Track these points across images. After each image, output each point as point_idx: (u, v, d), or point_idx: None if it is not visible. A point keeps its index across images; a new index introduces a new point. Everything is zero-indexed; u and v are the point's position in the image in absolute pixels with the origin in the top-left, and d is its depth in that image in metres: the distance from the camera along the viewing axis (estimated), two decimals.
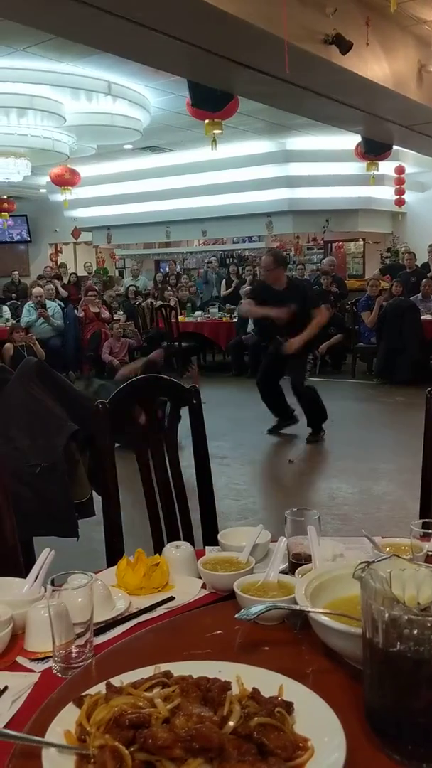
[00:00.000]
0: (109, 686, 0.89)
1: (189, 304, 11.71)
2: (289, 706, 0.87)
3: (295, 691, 0.91)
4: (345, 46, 5.56)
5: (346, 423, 6.85)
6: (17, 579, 1.33)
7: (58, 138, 9.16)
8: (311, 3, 5.40)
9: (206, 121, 7.06)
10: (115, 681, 0.92)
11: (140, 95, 8.38)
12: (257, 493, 4.76)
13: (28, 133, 8.65)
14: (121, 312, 11.52)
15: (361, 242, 13.92)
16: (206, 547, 1.58)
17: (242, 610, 1.07)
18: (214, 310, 11.37)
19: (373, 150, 9.29)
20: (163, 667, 0.95)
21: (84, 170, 11.30)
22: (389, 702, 0.83)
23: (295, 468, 5.39)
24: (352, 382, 9.25)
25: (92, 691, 0.91)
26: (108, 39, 5.31)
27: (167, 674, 0.92)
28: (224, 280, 12.89)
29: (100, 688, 0.92)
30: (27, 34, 6.05)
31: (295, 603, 1.07)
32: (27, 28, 5.33)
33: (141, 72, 7.29)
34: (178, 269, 14.93)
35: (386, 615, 0.79)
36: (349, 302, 10.20)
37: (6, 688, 1.04)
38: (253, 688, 0.89)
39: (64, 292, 11.92)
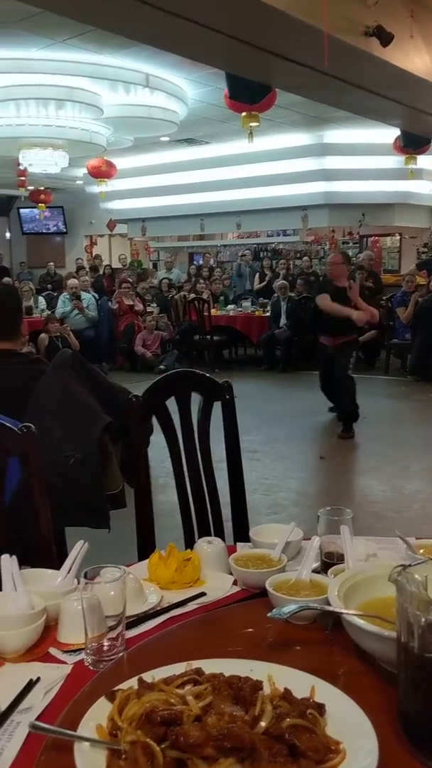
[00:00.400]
0: (141, 682, 0.89)
1: (222, 298, 11.70)
2: (321, 708, 0.87)
3: (327, 693, 0.90)
4: (386, 39, 5.47)
5: (379, 420, 6.79)
6: (50, 570, 1.34)
7: (95, 130, 9.20)
8: None
9: (243, 113, 7.03)
10: (147, 677, 0.92)
11: (178, 87, 8.36)
12: (287, 488, 4.75)
13: (66, 125, 8.70)
14: (155, 304, 11.56)
15: (398, 237, 13.76)
16: (237, 543, 1.58)
17: (275, 609, 1.07)
18: (246, 303, 11.34)
19: (412, 144, 9.15)
20: (195, 664, 0.95)
21: (120, 162, 11.34)
22: (424, 707, 0.81)
23: (326, 464, 5.37)
24: (385, 379, 9.16)
25: (124, 686, 0.91)
26: (147, 30, 5.29)
27: (199, 671, 0.92)
28: (257, 274, 12.85)
29: (132, 682, 0.92)
30: (67, 26, 6.07)
31: (328, 603, 1.06)
32: (67, 19, 5.35)
33: (179, 64, 7.28)
34: (212, 262, 14.92)
35: (422, 619, 0.78)
36: (384, 298, 10.09)
37: (39, 679, 1.05)
38: (285, 689, 0.89)
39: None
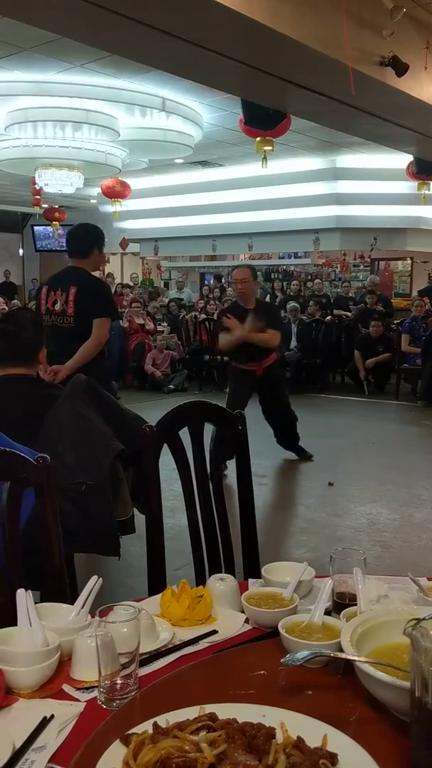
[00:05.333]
0: (156, 727, 0.90)
1: None
2: (333, 758, 0.87)
3: (339, 742, 0.91)
4: (401, 69, 5.53)
5: (388, 446, 6.77)
6: (64, 605, 1.35)
7: (111, 152, 9.32)
8: (368, 25, 5.40)
9: (258, 138, 7.10)
10: (161, 720, 0.93)
11: (193, 111, 8.47)
12: (296, 515, 4.74)
13: (82, 147, 8.82)
14: (165, 324, 11.62)
15: (409, 261, 13.81)
16: (249, 579, 1.58)
17: (288, 656, 1.07)
18: None
19: (425, 170, 9.22)
20: (208, 708, 0.96)
21: (134, 183, 11.46)
22: None
23: (334, 491, 5.35)
24: (395, 404, 9.14)
25: (138, 729, 0.92)
26: (164, 58, 5.38)
27: (213, 717, 0.93)
28: (268, 295, 12.90)
29: (146, 726, 0.93)
30: (85, 51, 6.17)
31: (340, 649, 1.07)
32: (85, 45, 5.44)
33: (195, 89, 7.38)
34: (223, 282, 15.00)
35: None
36: (396, 322, 10.12)
37: (53, 716, 1.06)
38: (298, 737, 0.89)
39: None
